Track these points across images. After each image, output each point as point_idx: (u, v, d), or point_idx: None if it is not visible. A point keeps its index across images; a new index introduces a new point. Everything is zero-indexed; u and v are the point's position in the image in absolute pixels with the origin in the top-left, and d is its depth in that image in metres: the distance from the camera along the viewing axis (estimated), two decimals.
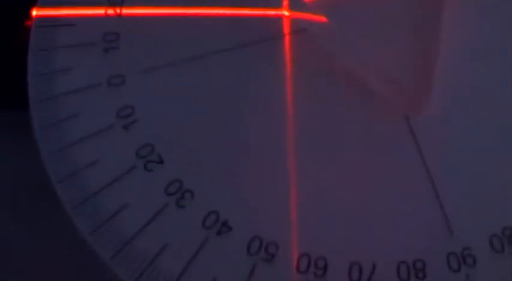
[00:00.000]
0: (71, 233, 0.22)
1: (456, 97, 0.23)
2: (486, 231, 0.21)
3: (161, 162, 0.23)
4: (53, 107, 0.24)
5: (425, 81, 0.23)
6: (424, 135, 0.23)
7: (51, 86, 0.24)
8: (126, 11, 0.25)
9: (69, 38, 0.25)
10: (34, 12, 0.25)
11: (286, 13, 0.24)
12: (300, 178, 0.22)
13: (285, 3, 0.24)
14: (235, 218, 0.22)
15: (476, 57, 0.24)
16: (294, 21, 0.24)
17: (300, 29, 0.24)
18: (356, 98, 0.23)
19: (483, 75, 0.24)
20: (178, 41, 0.24)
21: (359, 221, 0.22)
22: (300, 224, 0.21)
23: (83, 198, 0.22)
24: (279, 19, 0.24)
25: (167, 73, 0.24)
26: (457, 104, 0.23)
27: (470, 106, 0.23)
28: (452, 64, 0.23)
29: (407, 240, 0.21)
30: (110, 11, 0.25)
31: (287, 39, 0.24)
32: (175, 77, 0.24)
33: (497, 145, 0.23)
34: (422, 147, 0.22)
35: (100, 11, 0.25)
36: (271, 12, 0.24)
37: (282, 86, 0.23)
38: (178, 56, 0.24)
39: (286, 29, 0.24)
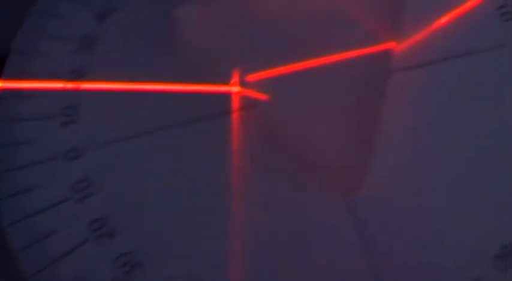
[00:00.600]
0: None
1: (395, 176, 0.24)
2: None
3: (112, 236, 0.24)
4: (11, 179, 0.25)
5: (364, 161, 0.24)
6: (363, 213, 0.24)
7: (11, 157, 0.25)
8: (85, 85, 0.26)
9: (30, 110, 0.26)
10: None
11: (235, 89, 0.25)
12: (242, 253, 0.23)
13: (234, 80, 0.25)
14: None
15: (414, 137, 0.25)
16: (242, 98, 0.25)
17: (248, 106, 0.25)
18: (299, 175, 0.24)
19: (422, 153, 0.25)
20: (134, 116, 0.26)
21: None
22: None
23: (41, 267, 0.24)
24: (227, 95, 0.25)
25: (121, 147, 0.25)
26: (395, 184, 0.24)
27: (409, 185, 0.24)
28: (392, 143, 0.24)
29: None
30: (70, 85, 0.26)
31: (235, 116, 0.25)
32: (129, 151, 0.25)
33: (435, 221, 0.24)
34: (360, 224, 0.23)
35: (60, 85, 0.26)
36: (220, 88, 0.25)
37: (227, 162, 0.24)
38: (133, 130, 0.25)
39: (235, 105, 0.25)
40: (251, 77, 0.25)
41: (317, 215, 0.23)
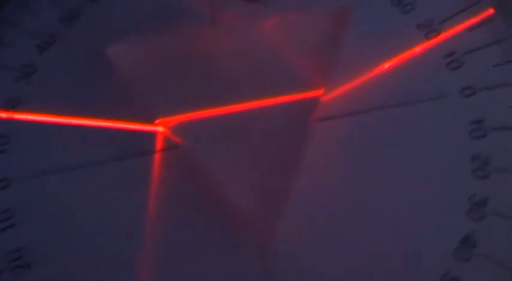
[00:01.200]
0: None
1: (311, 226, 0.24)
2: None
3: (29, 267, 0.25)
4: None
5: (280, 210, 0.24)
6: (276, 262, 0.24)
7: None
8: (19, 115, 0.27)
9: None
10: None
11: (160, 129, 0.26)
12: None
13: (159, 120, 0.26)
14: None
15: (332, 188, 0.25)
16: (166, 139, 0.26)
17: (170, 147, 0.26)
18: (215, 219, 0.25)
19: (340, 204, 0.25)
20: (64, 149, 0.26)
21: None
22: None
23: None
24: (153, 135, 0.26)
25: (49, 180, 0.26)
26: (310, 234, 0.24)
27: (324, 236, 0.24)
28: (309, 193, 0.25)
29: None
30: (4, 114, 0.27)
31: (157, 156, 0.26)
32: (55, 184, 0.26)
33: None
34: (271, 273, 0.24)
35: None
36: (147, 127, 0.26)
37: (146, 201, 0.25)
38: (61, 163, 0.26)
39: (159, 145, 0.26)
40: (175, 119, 0.26)
41: (228, 261, 0.24)
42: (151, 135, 0.26)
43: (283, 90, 0.26)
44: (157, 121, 0.26)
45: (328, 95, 0.26)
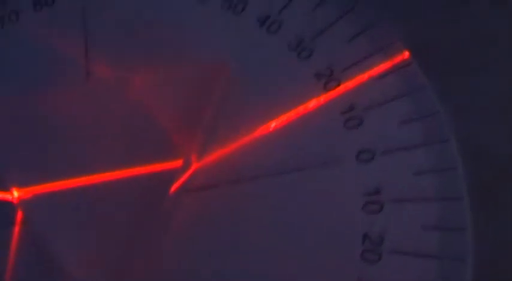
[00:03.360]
0: None
1: None
2: None
3: None
4: None
5: None
6: None
7: None
8: None
9: None
10: None
11: (15, 201, 0.23)
12: None
13: (13, 192, 0.23)
14: None
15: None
16: (19, 211, 0.23)
17: (24, 219, 0.23)
18: None
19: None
20: None
21: None
22: None
23: None
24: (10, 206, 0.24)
25: None
26: None
27: None
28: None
29: None
30: None
31: (17, 229, 0.23)
32: None
33: None
34: None
35: None
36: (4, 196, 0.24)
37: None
38: None
39: (13, 218, 0.23)
40: (28, 191, 0.23)
41: None
42: (8, 207, 0.24)
43: (146, 159, 0.23)
44: (12, 191, 0.23)
45: (204, 161, 0.23)
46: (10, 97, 0.24)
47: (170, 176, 0.23)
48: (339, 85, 0.24)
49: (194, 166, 0.23)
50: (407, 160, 0.22)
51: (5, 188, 0.23)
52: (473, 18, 0.25)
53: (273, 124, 0.23)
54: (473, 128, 0.23)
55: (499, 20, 0.24)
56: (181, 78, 0.23)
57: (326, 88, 0.24)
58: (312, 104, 0.24)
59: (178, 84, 0.23)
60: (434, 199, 0.22)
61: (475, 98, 0.24)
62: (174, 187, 0.23)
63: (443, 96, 0.23)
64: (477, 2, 0.24)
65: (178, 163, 0.23)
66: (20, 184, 0.23)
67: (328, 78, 0.24)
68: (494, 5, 0.24)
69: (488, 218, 0.23)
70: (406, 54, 0.24)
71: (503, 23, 0.24)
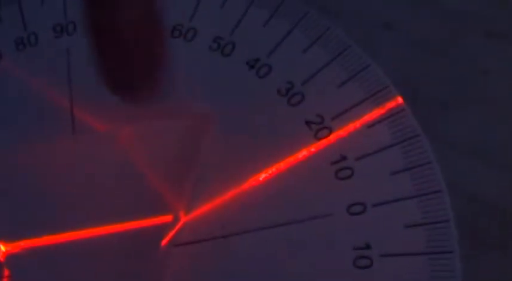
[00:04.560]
0: None
1: None
2: None
3: None
4: None
5: None
6: None
7: None
8: None
9: None
10: None
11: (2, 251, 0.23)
12: None
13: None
14: None
15: None
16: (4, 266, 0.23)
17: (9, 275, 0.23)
18: None
19: None
20: None
21: None
22: None
23: None
24: None
25: None
26: None
27: None
28: None
29: None
30: None
31: None
32: None
33: None
34: None
35: None
36: None
37: None
38: None
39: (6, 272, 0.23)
40: (16, 245, 0.23)
41: None
42: None
43: (132, 215, 0.22)
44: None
45: (192, 215, 0.23)
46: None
47: (160, 230, 0.22)
48: (330, 133, 0.23)
49: (182, 220, 0.23)
50: (400, 211, 0.22)
51: None
52: None
53: (263, 176, 0.23)
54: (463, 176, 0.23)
55: None
56: (168, 129, 0.23)
57: (317, 136, 0.23)
58: (303, 154, 0.23)
59: (165, 135, 0.23)
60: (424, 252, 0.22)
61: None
62: (164, 241, 0.22)
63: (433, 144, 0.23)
64: None
65: (168, 217, 0.22)
66: (8, 239, 0.23)
67: (319, 126, 0.23)
68: None
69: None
70: (399, 100, 0.23)
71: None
